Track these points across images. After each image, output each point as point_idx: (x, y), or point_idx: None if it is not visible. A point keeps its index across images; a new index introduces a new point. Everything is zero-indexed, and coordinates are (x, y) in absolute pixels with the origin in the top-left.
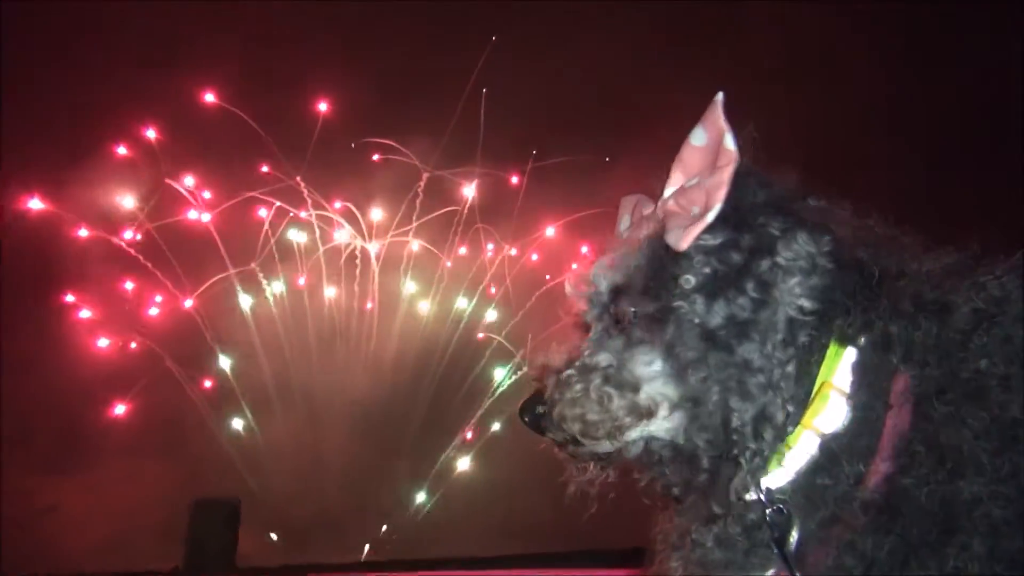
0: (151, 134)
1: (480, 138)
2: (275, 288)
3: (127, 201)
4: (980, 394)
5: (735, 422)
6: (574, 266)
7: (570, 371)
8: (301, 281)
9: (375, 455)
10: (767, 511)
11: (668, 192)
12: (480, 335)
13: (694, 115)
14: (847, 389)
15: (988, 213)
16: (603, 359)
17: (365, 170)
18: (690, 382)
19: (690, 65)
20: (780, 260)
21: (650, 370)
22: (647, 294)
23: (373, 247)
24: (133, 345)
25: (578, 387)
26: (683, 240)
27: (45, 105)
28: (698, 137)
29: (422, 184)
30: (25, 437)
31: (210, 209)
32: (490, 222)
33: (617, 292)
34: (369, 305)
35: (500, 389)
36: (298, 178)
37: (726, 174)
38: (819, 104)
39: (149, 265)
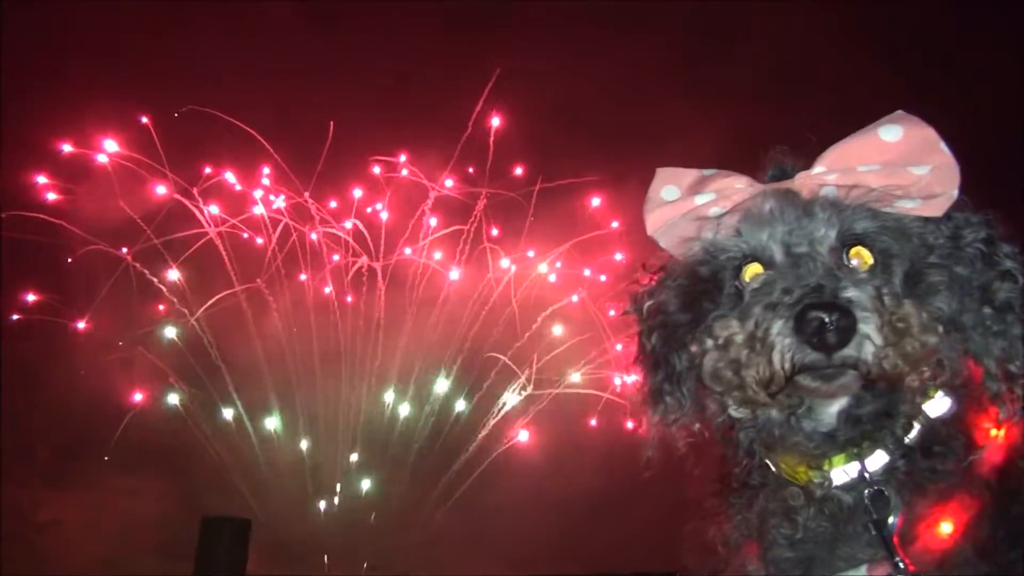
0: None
1: (489, 157)
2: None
3: (134, 215)
4: None
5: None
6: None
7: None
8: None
9: (380, 475)
10: (866, 492)
11: (819, 169)
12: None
13: (701, 137)
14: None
15: None
16: (897, 302)
17: (374, 188)
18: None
19: (698, 86)
20: (1005, 249)
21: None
22: (898, 250)
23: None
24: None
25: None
26: (939, 209)
27: (53, 116)
28: (890, 133)
29: (430, 203)
30: (26, 451)
31: (217, 225)
32: (497, 241)
33: (848, 242)
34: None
35: (504, 409)
36: (307, 195)
37: (955, 168)
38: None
39: (155, 280)
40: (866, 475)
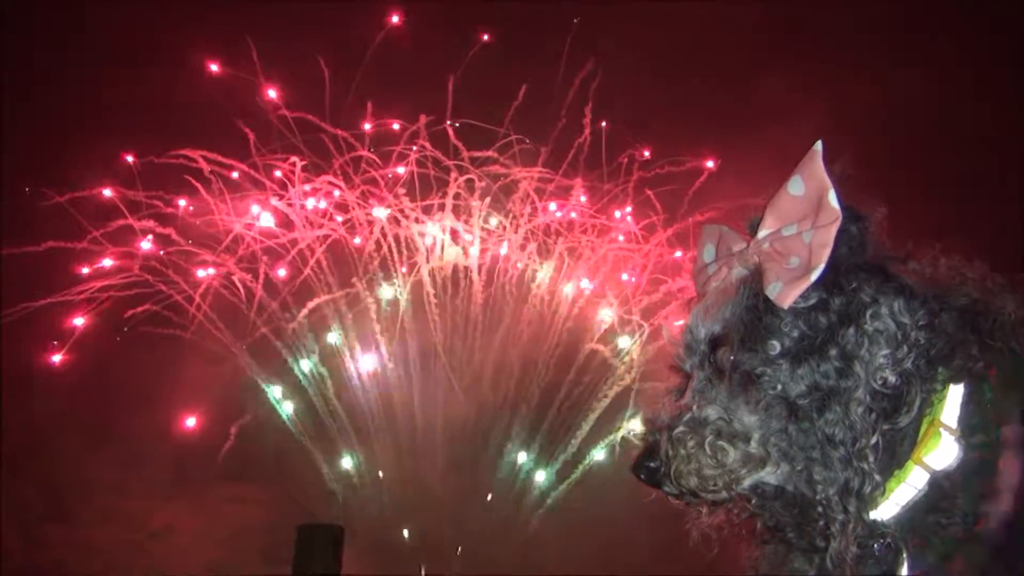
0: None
1: (585, 147)
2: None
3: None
4: None
5: (819, 495)
6: None
7: (681, 427)
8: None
9: (474, 477)
10: (875, 545)
11: (763, 234)
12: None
13: (800, 121)
14: (956, 426)
15: None
16: (712, 412)
17: (465, 184)
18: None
19: (799, 67)
20: (867, 328)
21: (758, 419)
22: (743, 348)
23: (475, 259)
24: None
25: (691, 443)
26: (786, 298)
27: (146, 127)
28: (796, 186)
29: (522, 195)
30: (141, 463)
31: (313, 228)
32: (593, 231)
33: (715, 342)
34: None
35: (605, 403)
36: (402, 191)
37: (830, 234)
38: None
39: (257, 288)
40: (873, 527)
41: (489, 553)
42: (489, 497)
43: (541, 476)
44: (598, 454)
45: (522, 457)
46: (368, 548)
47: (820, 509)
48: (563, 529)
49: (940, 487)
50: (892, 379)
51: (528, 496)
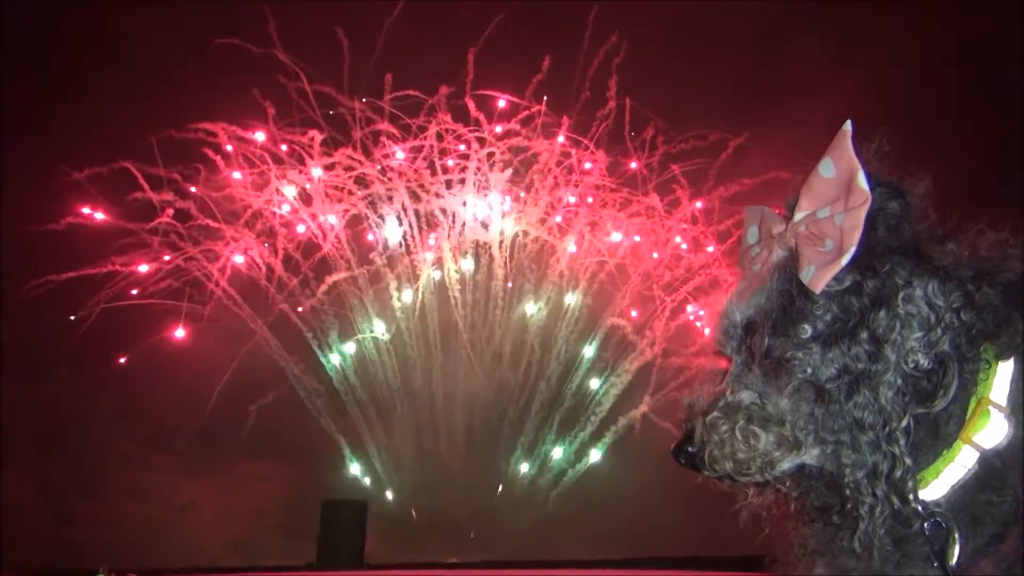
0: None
1: (609, 115)
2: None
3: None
4: None
5: (848, 477)
6: None
7: (715, 413)
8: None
9: (493, 454)
10: (924, 524)
11: (799, 216)
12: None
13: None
14: (1005, 403)
15: None
16: (746, 396)
17: (487, 158)
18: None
19: (830, 37)
20: (900, 311)
21: (790, 402)
22: (775, 333)
23: (496, 235)
24: None
25: (724, 428)
26: (819, 283)
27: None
28: (826, 168)
29: (542, 167)
30: (166, 440)
31: (334, 203)
32: (614, 208)
33: (749, 327)
34: None
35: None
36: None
37: (860, 216)
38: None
39: (278, 266)
40: (918, 507)
41: (506, 532)
42: (507, 476)
43: (559, 454)
44: (617, 434)
45: (541, 435)
46: (387, 525)
47: (848, 492)
48: (581, 508)
49: (991, 466)
50: (924, 362)
51: (546, 475)
